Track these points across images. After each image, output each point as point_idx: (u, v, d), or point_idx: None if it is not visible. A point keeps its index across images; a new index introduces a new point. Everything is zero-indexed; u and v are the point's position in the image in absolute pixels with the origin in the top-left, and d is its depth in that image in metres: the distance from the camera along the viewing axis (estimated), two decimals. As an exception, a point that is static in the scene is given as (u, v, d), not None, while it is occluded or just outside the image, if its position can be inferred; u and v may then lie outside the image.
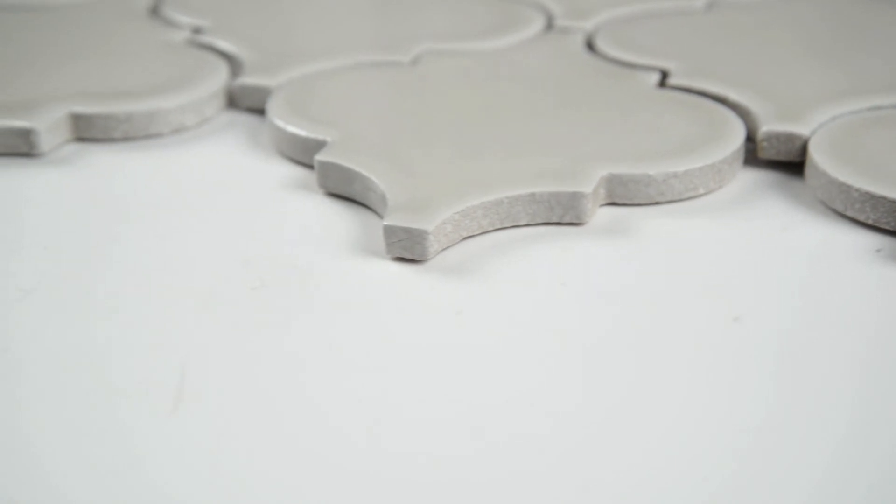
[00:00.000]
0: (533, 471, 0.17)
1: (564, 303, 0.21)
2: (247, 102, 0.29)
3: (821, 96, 0.26)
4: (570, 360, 0.19)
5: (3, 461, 0.17)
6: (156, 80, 0.28)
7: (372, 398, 0.18)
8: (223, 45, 0.30)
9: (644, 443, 0.17)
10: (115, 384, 0.19)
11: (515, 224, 0.23)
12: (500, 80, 0.29)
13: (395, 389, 0.18)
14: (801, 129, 0.25)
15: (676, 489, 0.16)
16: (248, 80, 0.28)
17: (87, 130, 0.27)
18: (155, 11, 0.34)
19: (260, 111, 0.28)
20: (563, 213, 0.23)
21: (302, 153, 0.26)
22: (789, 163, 0.25)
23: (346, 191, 0.24)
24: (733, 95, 0.27)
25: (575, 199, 0.23)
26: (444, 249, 0.22)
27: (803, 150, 0.25)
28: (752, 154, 0.25)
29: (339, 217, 0.24)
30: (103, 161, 0.26)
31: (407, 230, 0.22)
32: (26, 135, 0.26)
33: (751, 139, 0.25)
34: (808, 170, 0.24)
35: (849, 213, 0.23)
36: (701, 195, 0.24)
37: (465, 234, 0.23)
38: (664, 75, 0.28)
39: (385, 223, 0.22)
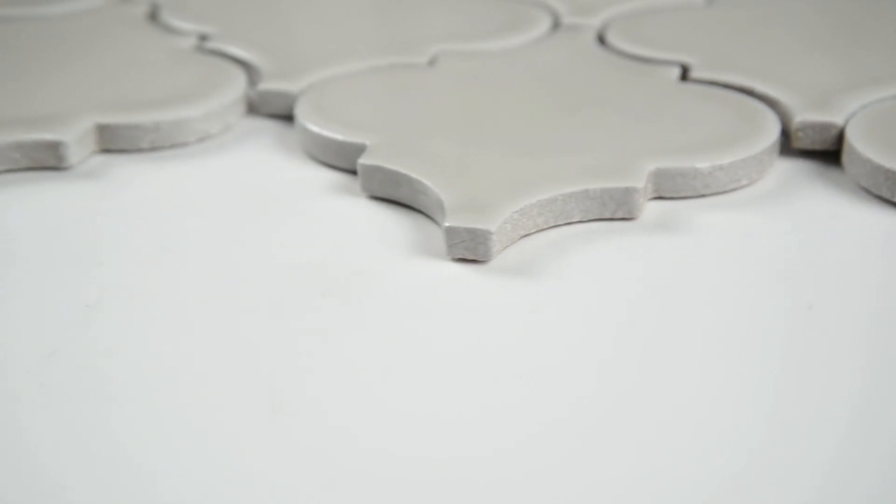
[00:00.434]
0: (635, 463, 0.17)
1: (636, 297, 0.21)
2: (268, 108, 0.28)
3: (845, 85, 0.27)
4: (656, 353, 0.19)
5: (108, 475, 0.17)
6: (174, 88, 0.28)
7: (465, 401, 0.18)
8: (236, 51, 0.30)
9: (733, 434, 0.17)
10: (210, 394, 0.18)
11: (569, 221, 0.23)
12: (523, 78, 0.29)
13: (488, 391, 0.18)
14: (835, 118, 0.25)
15: (777, 476, 0.16)
16: (269, 85, 0.28)
17: (112, 142, 0.26)
18: (154, 18, 0.33)
19: (281, 117, 0.28)
20: (615, 209, 0.23)
21: (338, 157, 0.26)
22: (821, 151, 0.26)
23: (391, 194, 0.24)
24: (760, 87, 0.27)
25: (627, 194, 0.23)
26: (503, 249, 0.22)
27: (838, 138, 0.25)
28: (783, 144, 0.26)
29: (389, 221, 0.24)
30: (134, 172, 0.26)
31: (470, 231, 0.22)
32: (55, 148, 0.25)
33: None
34: (846, 157, 0.25)
35: None
36: (743, 186, 0.24)
37: (522, 233, 0.23)
38: (684, 69, 0.29)
39: (447, 225, 0.22)
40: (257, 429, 0.18)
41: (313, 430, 0.18)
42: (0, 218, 0.24)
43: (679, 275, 0.21)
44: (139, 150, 0.27)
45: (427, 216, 0.24)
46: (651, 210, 0.24)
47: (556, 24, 0.32)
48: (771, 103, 0.26)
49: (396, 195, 0.24)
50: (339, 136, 0.25)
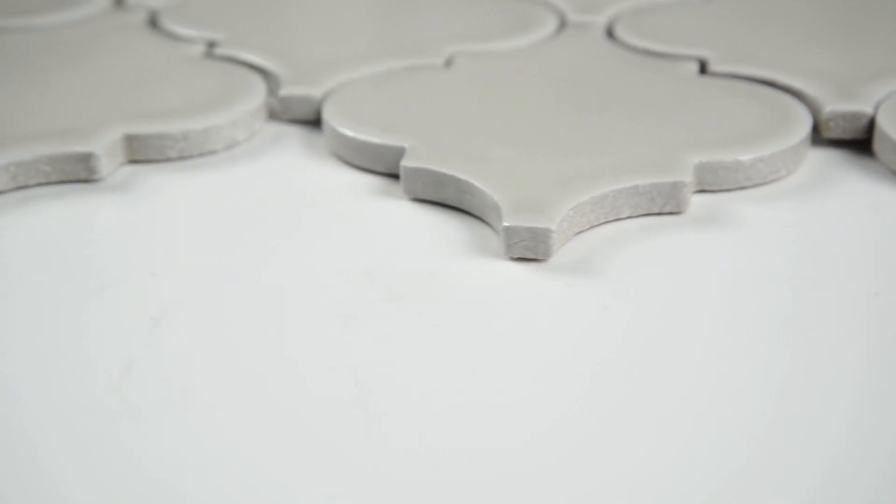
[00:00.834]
0: (709, 457, 0.17)
1: (703, 291, 0.21)
2: (290, 114, 0.28)
3: (868, 74, 0.27)
4: (736, 346, 0.19)
5: (213, 484, 0.16)
6: (195, 97, 0.28)
7: (553, 399, 0.18)
8: (250, 57, 0.30)
9: (822, 424, 0.18)
10: (302, 401, 0.18)
11: (618, 217, 0.23)
12: (543, 77, 0.29)
13: (573, 388, 0.18)
14: (865, 107, 0.26)
15: (845, 465, 0.17)
16: (292, 91, 0.28)
17: (141, 152, 0.26)
18: (154, 25, 0.33)
19: (303, 122, 0.28)
20: (663, 203, 0.23)
21: (374, 161, 0.25)
22: (850, 140, 0.26)
23: (436, 196, 0.24)
24: (782, 79, 0.27)
25: (676, 188, 0.23)
26: (560, 247, 0.22)
27: (869, 127, 0.25)
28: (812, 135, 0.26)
29: (437, 222, 0.24)
30: (166, 182, 0.25)
31: (530, 230, 0.22)
32: (86, 160, 0.25)
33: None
34: (878, 145, 0.25)
35: (934, 185, 0.24)
36: (781, 178, 0.25)
37: (576, 231, 0.23)
38: (702, 64, 0.29)
39: (506, 224, 0.22)
40: (356, 433, 0.17)
41: (410, 433, 0.17)
42: (41, 233, 0.23)
43: (739, 267, 0.22)
44: (167, 160, 0.26)
45: (474, 217, 0.24)
46: (695, 203, 0.24)
47: (563, 23, 0.32)
48: (796, 94, 0.27)
49: (441, 197, 0.24)
50: (376, 140, 0.25)
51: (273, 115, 0.28)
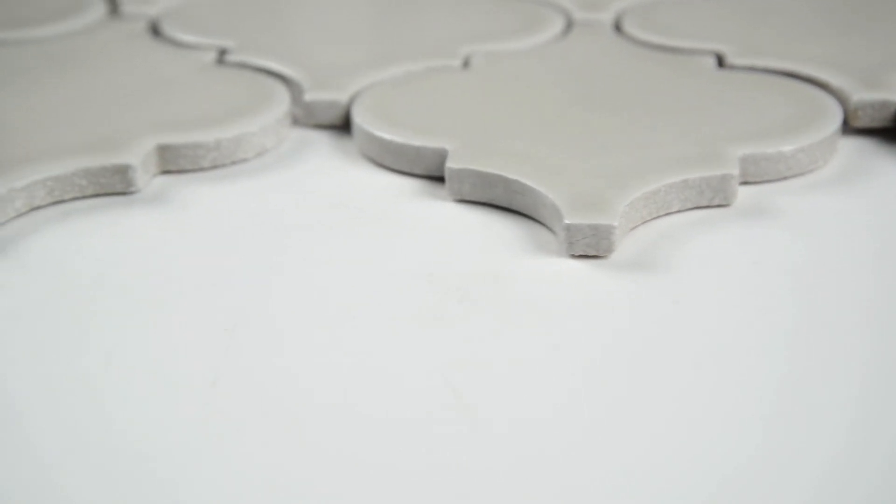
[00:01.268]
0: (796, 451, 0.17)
1: (770, 282, 0.21)
2: (315, 119, 0.28)
3: (888, 63, 0.28)
4: (812, 336, 0.20)
5: (322, 493, 0.16)
6: (220, 105, 0.27)
7: (641, 394, 0.18)
8: (268, 64, 0.29)
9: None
10: (397, 408, 0.18)
11: (668, 211, 0.24)
12: (564, 76, 0.29)
13: (657, 382, 0.19)
14: (891, 96, 0.26)
15: None
16: (317, 96, 0.28)
17: (174, 162, 0.26)
18: (156, 33, 0.32)
19: (328, 127, 0.28)
20: (712, 196, 0.24)
21: (413, 164, 0.25)
22: (877, 129, 0.26)
23: (483, 196, 0.24)
24: (805, 70, 0.28)
25: (725, 181, 0.24)
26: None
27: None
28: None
29: (488, 223, 0.24)
30: (203, 192, 0.25)
31: (593, 227, 0.22)
32: (123, 172, 0.24)
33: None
34: (910, 133, 0.26)
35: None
36: (818, 167, 0.25)
37: (631, 226, 0.23)
38: (719, 58, 0.29)
39: (567, 222, 0.22)
40: (462, 437, 0.17)
41: (513, 434, 0.17)
42: (90, 248, 0.23)
43: (798, 258, 0.22)
44: (199, 170, 0.26)
45: (522, 215, 0.24)
46: (739, 195, 0.24)
47: (569, 21, 0.33)
48: (820, 85, 0.27)
49: (488, 197, 0.24)
50: (417, 142, 0.25)
51: (296, 120, 0.28)
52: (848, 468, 0.17)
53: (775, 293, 0.21)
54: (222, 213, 0.24)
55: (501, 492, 0.16)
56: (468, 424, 0.18)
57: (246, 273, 0.22)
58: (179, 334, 0.20)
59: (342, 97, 0.28)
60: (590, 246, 0.22)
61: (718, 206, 0.24)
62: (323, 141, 0.27)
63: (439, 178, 0.25)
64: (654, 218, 0.23)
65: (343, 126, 0.28)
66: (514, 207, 0.24)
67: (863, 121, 0.26)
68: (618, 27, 0.32)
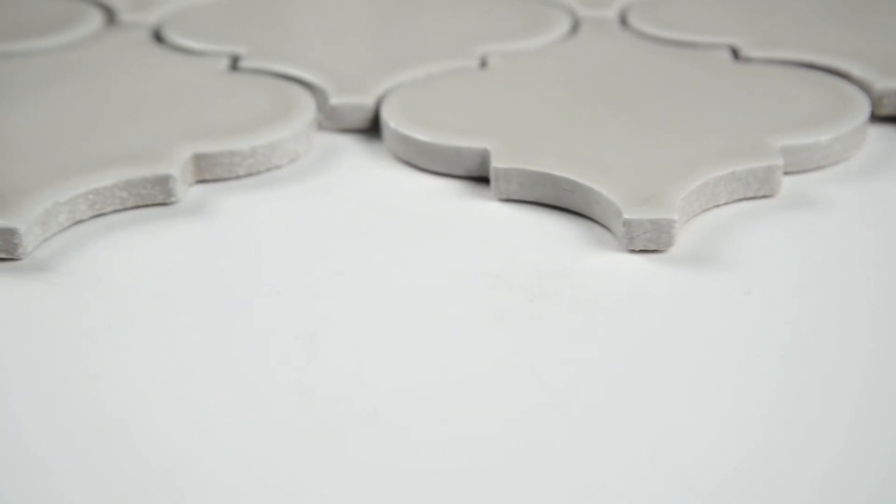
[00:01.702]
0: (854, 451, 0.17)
1: (832, 272, 0.22)
2: (341, 123, 0.28)
3: (901, 52, 0.28)
4: (892, 321, 0.20)
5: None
6: (246, 112, 0.27)
7: (739, 392, 0.19)
8: (288, 69, 0.29)
9: None
10: (498, 409, 0.18)
11: (716, 204, 0.24)
12: (585, 73, 0.29)
13: (751, 379, 0.19)
14: (915, 84, 0.27)
15: None
16: (343, 100, 0.27)
17: (210, 171, 0.25)
18: (160, 41, 0.32)
19: (353, 130, 0.28)
20: (758, 188, 0.24)
21: (453, 165, 0.25)
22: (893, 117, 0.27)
23: (530, 195, 0.24)
24: (824, 60, 0.28)
25: (770, 172, 0.24)
26: (675, 237, 0.23)
27: (920, 102, 0.27)
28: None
29: (538, 221, 0.24)
30: (247, 200, 0.25)
31: (654, 222, 0.22)
32: (164, 182, 0.24)
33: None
34: (936, 119, 0.26)
35: None
36: (851, 156, 0.26)
37: (685, 220, 0.23)
38: (734, 51, 0.30)
39: (628, 217, 0.22)
40: (560, 434, 0.17)
41: (609, 430, 0.18)
42: (143, 261, 0.22)
43: (857, 246, 0.22)
44: (234, 178, 0.26)
45: (570, 213, 0.24)
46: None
47: (575, 18, 0.33)
48: (841, 75, 0.28)
49: (536, 196, 0.24)
50: (457, 143, 0.25)
51: (318, 125, 0.28)
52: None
53: (847, 282, 0.21)
54: (270, 221, 0.24)
55: (611, 484, 0.16)
56: (566, 425, 0.18)
57: (310, 280, 0.22)
58: (255, 344, 0.20)
59: (368, 100, 0.27)
60: (650, 241, 0.22)
61: (763, 196, 0.24)
62: (350, 145, 0.27)
63: (478, 179, 0.25)
64: (703, 211, 0.24)
65: (368, 129, 0.28)
66: (561, 205, 0.24)
67: (887, 108, 0.27)
68: (624, 23, 0.32)
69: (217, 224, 0.24)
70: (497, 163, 0.24)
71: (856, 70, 0.28)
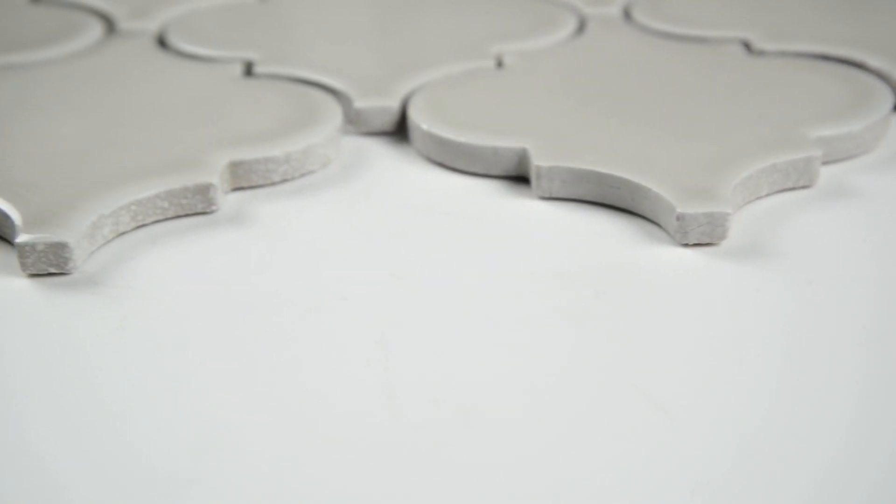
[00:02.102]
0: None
1: (888, 256, 0.22)
2: (367, 126, 0.28)
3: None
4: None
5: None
6: (271, 118, 0.27)
7: (821, 379, 0.19)
8: (307, 74, 0.29)
9: None
10: (593, 409, 0.18)
11: (758, 196, 0.24)
12: (603, 70, 0.29)
13: (830, 367, 0.19)
14: (935, 75, 0.27)
15: None
16: (368, 103, 0.27)
17: (246, 178, 0.25)
18: (166, 47, 0.31)
19: (377, 133, 0.28)
20: (797, 179, 0.24)
21: (490, 165, 0.25)
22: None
23: (573, 193, 0.24)
24: (838, 52, 0.29)
25: (809, 162, 0.24)
26: (725, 230, 0.23)
27: (940, 94, 0.27)
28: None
29: (584, 218, 0.24)
30: (287, 207, 0.24)
31: (708, 215, 0.22)
32: (205, 191, 0.24)
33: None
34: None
35: None
36: (879, 145, 0.26)
37: (731, 212, 0.23)
38: (746, 44, 0.30)
39: (681, 212, 0.22)
40: (654, 433, 0.17)
41: (709, 428, 0.18)
42: (196, 271, 0.22)
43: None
44: (270, 184, 0.25)
45: (614, 209, 0.24)
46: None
47: (581, 16, 0.33)
48: (857, 66, 0.28)
49: (579, 194, 0.24)
50: (494, 143, 0.25)
51: (343, 129, 0.28)
52: None
53: (898, 268, 0.22)
54: (316, 227, 0.24)
55: (710, 475, 0.17)
56: (663, 423, 0.18)
57: (372, 285, 0.21)
58: (329, 350, 0.20)
59: (393, 103, 0.27)
60: (704, 234, 0.22)
61: (802, 187, 0.24)
62: (378, 148, 0.27)
63: (514, 178, 0.25)
64: (746, 203, 0.24)
65: (394, 132, 0.27)
66: (606, 202, 0.24)
67: (907, 97, 0.27)
68: (630, 19, 0.32)
69: (263, 231, 0.23)
70: (539, 161, 0.24)
71: (872, 61, 0.28)
